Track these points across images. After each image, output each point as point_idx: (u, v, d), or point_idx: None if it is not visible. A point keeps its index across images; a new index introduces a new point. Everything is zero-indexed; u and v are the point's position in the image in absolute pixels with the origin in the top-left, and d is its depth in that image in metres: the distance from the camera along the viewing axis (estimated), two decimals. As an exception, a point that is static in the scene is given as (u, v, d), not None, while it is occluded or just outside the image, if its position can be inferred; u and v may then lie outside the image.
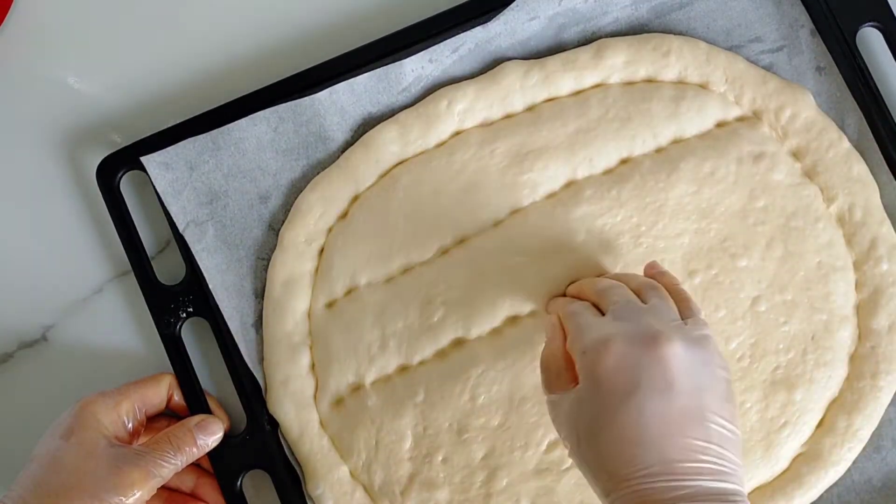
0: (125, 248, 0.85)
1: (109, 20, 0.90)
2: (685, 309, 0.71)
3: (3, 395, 0.86)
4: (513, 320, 0.82)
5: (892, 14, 0.84)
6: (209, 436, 0.79)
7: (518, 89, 0.84)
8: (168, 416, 0.84)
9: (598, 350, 0.66)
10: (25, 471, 0.74)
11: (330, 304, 0.84)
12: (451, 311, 0.81)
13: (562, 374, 0.70)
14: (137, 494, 0.73)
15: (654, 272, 0.75)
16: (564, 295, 0.79)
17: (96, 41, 0.90)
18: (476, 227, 0.83)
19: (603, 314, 0.71)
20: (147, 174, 0.84)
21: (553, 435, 0.80)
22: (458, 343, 0.82)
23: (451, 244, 0.83)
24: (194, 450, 0.78)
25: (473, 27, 0.84)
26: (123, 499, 0.72)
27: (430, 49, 0.84)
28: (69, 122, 0.89)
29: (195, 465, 0.82)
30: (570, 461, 0.80)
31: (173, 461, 0.76)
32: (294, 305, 0.83)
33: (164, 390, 0.81)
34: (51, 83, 0.89)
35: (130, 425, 0.78)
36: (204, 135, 0.84)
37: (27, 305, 0.87)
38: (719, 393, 0.66)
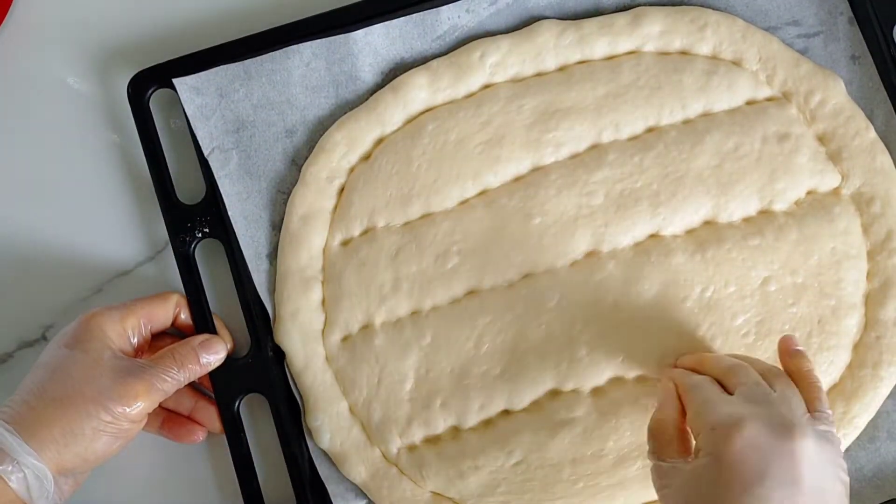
0: (148, 163, 0.86)
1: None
2: (814, 400, 0.70)
3: (3, 396, 0.83)
4: (527, 278, 0.82)
5: (933, 9, 0.86)
6: (212, 354, 0.81)
7: (552, 48, 0.85)
8: (172, 334, 0.84)
9: (731, 429, 0.66)
10: (29, 377, 0.75)
11: (346, 243, 0.84)
12: (466, 261, 0.82)
13: (673, 443, 0.70)
14: (140, 406, 0.75)
15: (789, 348, 0.75)
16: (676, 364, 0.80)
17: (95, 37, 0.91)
18: (497, 180, 0.84)
19: (728, 393, 0.71)
20: (177, 94, 0.85)
21: (546, 388, 0.80)
22: (471, 293, 0.82)
23: (471, 195, 0.84)
24: (197, 367, 0.79)
25: (514, -18, 0.86)
26: (126, 409, 0.74)
27: None
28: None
29: (194, 389, 0.84)
30: (565, 416, 0.80)
31: (176, 376, 0.78)
32: (310, 240, 0.83)
33: (170, 308, 0.82)
34: (51, 83, 0.90)
35: (135, 340, 0.79)
36: (237, 63, 0.85)
37: (27, 305, 0.87)
38: (838, 497, 0.66)
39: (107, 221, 0.88)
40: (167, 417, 0.82)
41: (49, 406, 0.73)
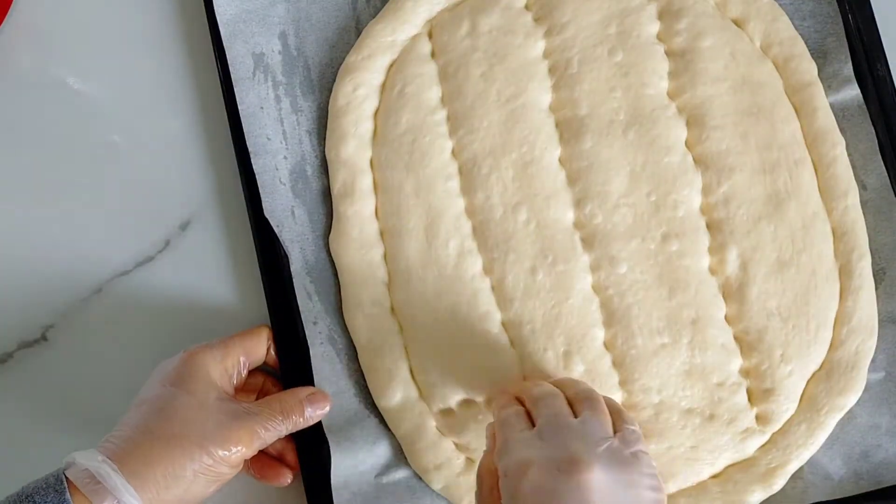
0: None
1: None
2: (616, 419, 0.72)
3: (3, 395, 0.86)
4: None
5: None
6: (318, 409, 0.81)
7: None
8: (262, 370, 0.85)
9: (519, 473, 0.67)
10: (132, 413, 0.75)
11: None
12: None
13: (493, 491, 0.71)
14: (241, 451, 0.75)
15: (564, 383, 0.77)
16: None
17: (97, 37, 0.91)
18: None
19: (534, 424, 0.71)
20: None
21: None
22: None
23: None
24: (300, 420, 0.79)
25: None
26: (227, 454, 0.74)
27: None
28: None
29: None
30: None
31: (279, 427, 0.78)
32: None
33: (265, 344, 0.83)
34: (51, 83, 0.90)
35: (235, 380, 0.80)
36: None
37: (27, 305, 0.88)
38: None
39: (106, 222, 0.89)
40: (256, 458, 0.81)
41: (154, 445, 0.73)
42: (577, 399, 0.73)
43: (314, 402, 0.80)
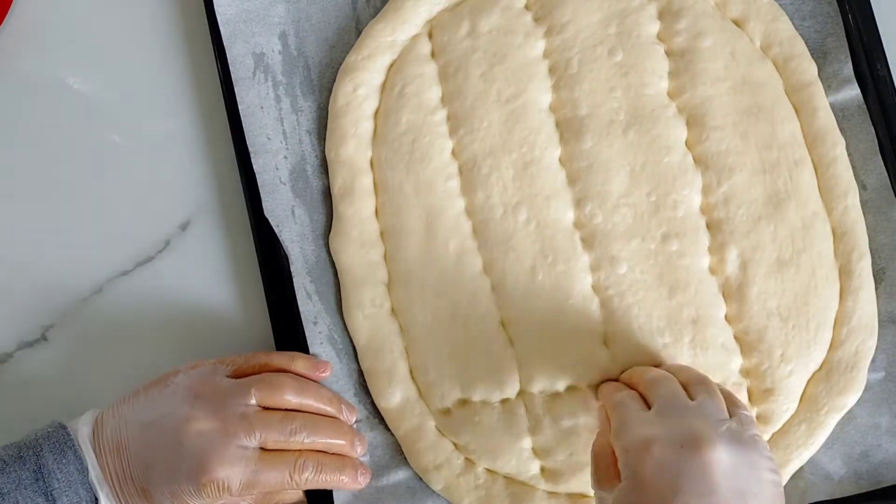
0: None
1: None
2: (731, 404, 0.73)
3: (3, 395, 0.86)
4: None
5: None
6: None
7: None
8: None
9: (641, 450, 0.68)
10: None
11: None
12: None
13: (610, 468, 0.71)
14: None
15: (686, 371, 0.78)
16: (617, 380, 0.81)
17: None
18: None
19: (649, 407, 0.73)
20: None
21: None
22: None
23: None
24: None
25: None
26: None
27: None
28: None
29: None
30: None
31: None
32: None
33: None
34: (51, 83, 0.90)
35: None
36: None
37: (27, 305, 0.88)
38: (766, 498, 0.67)
39: (106, 221, 0.89)
40: None
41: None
42: (691, 382, 0.74)
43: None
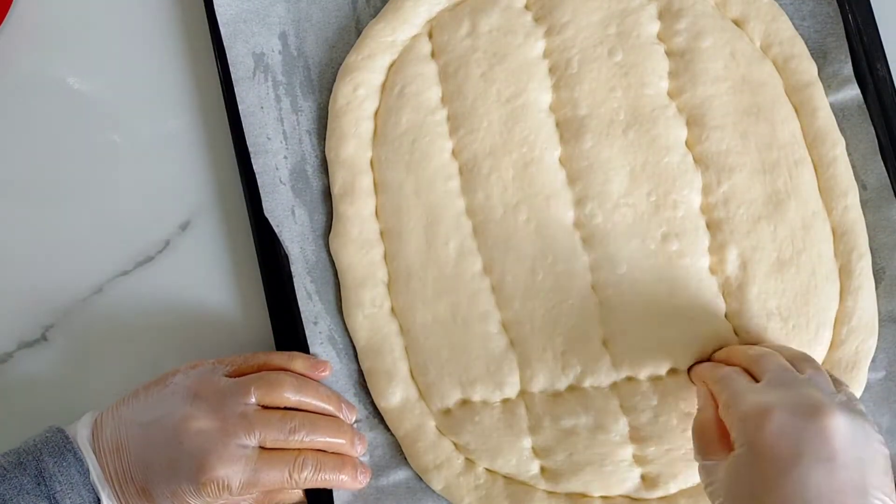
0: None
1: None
2: (836, 382, 0.74)
3: (3, 395, 0.86)
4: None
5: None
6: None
7: None
8: None
9: (760, 417, 0.68)
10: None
11: None
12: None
13: (715, 441, 0.72)
14: None
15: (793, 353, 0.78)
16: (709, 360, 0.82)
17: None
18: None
19: (756, 381, 0.73)
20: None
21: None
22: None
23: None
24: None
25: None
26: None
27: None
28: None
29: None
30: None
31: None
32: None
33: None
34: (51, 83, 0.91)
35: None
36: None
37: (27, 305, 0.88)
38: (880, 467, 0.67)
39: (106, 221, 0.89)
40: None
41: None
42: (796, 359, 0.75)
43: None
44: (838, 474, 0.65)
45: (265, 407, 0.78)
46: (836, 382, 0.73)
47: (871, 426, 0.69)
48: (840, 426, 0.67)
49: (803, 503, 0.64)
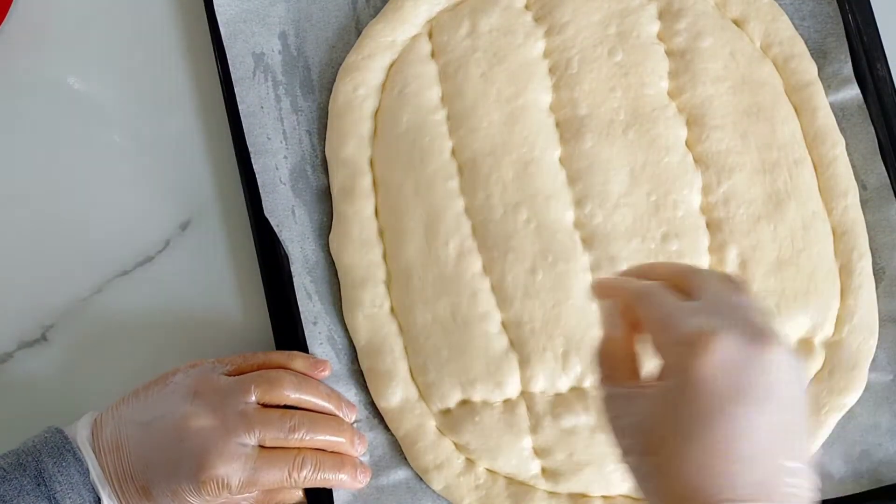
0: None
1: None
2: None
3: (3, 395, 0.86)
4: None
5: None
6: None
7: None
8: None
9: (700, 344, 0.58)
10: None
11: None
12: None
13: (623, 366, 0.64)
14: None
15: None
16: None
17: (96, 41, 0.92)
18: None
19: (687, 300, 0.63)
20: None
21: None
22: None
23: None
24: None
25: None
26: None
27: None
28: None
29: None
30: None
31: None
32: None
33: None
34: (51, 83, 0.91)
35: None
36: None
37: (27, 305, 0.88)
38: (807, 409, 0.60)
39: (106, 221, 0.89)
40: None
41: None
42: (734, 279, 0.64)
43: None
44: (777, 415, 0.57)
45: (265, 406, 0.78)
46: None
47: (803, 365, 0.64)
48: (784, 361, 0.58)
49: (739, 446, 0.56)
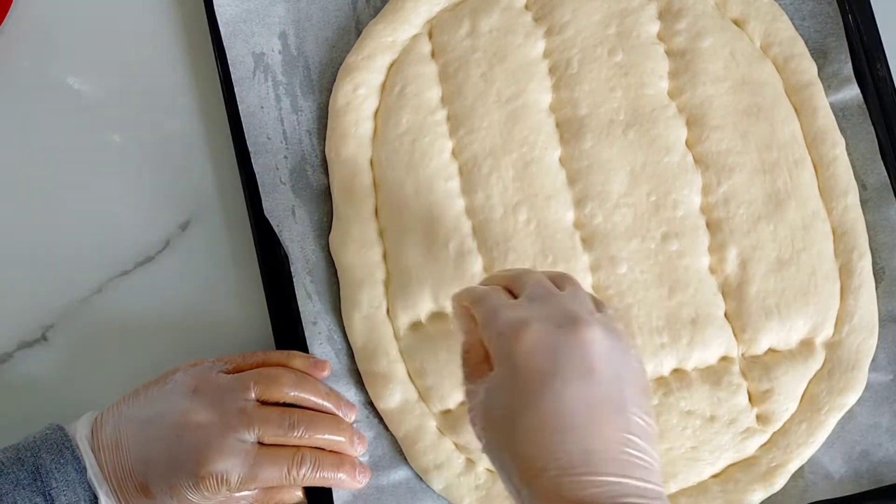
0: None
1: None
2: (598, 303, 0.70)
3: (3, 395, 0.86)
4: None
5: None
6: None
7: None
8: None
9: (515, 332, 0.65)
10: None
11: None
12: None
13: (480, 363, 0.69)
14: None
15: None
16: None
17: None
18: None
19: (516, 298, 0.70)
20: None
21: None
22: None
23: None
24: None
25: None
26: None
27: None
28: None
29: None
30: None
31: None
32: None
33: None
34: (51, 83, 0.91)
35: None
36: None
37: (27, 305, 0.88)
38: (638, 385, 0.66)
39: (106, 221, 0.89)
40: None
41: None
42: (558, 278, 0.72)
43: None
44: (596, 388, 0.63)
45: (265, 404, 0.78)
46: (597, 303, 0.70)
47: (629, 343, 0.67)
48: (597, 339, 0.64)
49: (560, 418, 0.62)
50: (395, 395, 0.83)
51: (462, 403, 0.83)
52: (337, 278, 0.86)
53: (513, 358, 0.65)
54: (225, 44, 0.87)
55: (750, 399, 0.82)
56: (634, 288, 0.83)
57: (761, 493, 0.82)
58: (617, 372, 0.64)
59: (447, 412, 0.83)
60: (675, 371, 0.82)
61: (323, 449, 0.79)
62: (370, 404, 0.84)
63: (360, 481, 0.81)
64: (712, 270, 0.83)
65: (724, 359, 0.83)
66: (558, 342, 0.64)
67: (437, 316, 0.84)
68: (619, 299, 0.83)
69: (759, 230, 0.83)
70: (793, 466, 0.82)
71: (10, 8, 0.91)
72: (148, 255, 0.88)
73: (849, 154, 0.85)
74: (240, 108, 0.86)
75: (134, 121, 0.90)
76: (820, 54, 0.87)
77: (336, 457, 0.79)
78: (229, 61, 0.87)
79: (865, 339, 0.83)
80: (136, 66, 0.91)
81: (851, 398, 0.82)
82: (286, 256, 0.85)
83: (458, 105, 0.86)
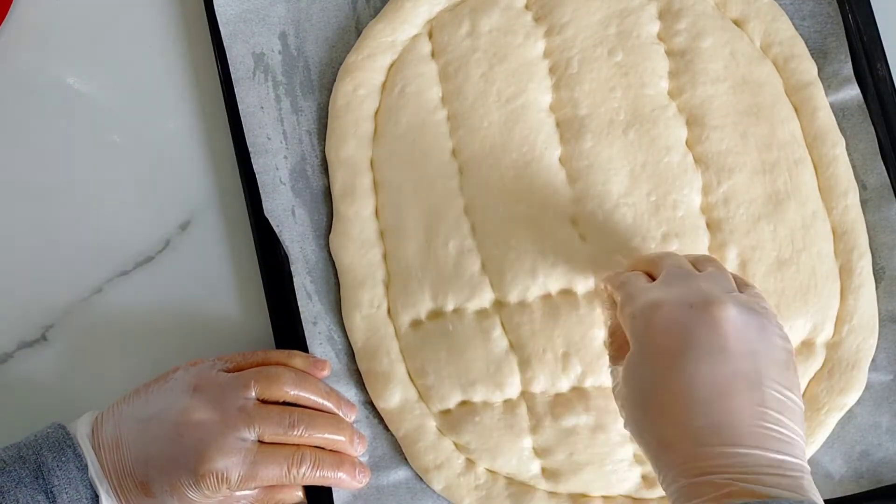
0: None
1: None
2: (741, 283, 0.71)
3: (3, 395, 0.86)
4: None
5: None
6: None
7: None
8: None
9: (648, 313, 0.67)
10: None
11: None
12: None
13: (623, 346, 0.70)
14: None
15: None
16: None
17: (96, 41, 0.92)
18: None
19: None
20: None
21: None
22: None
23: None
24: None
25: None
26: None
27: None
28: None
29: None
30: None
31: None
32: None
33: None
34: (51, 83, 0.91)
35: None
36: None
37: (27, 305, 0.88)
38: (778, 360, 0.66)
39: (106, 221, 0.89)
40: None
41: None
42: (698, 260, 0.73)
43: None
44: (727, 365, 0.64)
45: (265, 402, 0.78)
46: (744, 284, 0.71)
47: (771, 321, 0.67)
48: (730, 317, 0.65)
49: (689, 394, 0.64)
50: (395, 395, 0.84)
51: (461, 403, 0.84)
52: (337, 278, 0.86)
53: (646, 338, 0.67)
54: (225, 44, 0.87)
55: None
56: None
57: None
58: (752, 348, 0.65)
59: (447, 412, 0.83)
60: None
61: (323, 448, 0.79)
62: (370, 404, 0.85)
63: (360, 481, 0.81)
64: None
65: None
66: (690, 321, 0.66)
67: (437, 314, 0.84)
68: None
69: (759, 230, 0.83)
70: None
71: (10, 8, 0.91)
72: (148, 255, 0.89)
73: (849, 154, 0.85)
74: (240, 108, 0.86)
75: (134, 121, 0.90)
76: (820, 54, 0.87)
77: (336, 456, 0.80)
78: (229, 61, 0.87)
79: (865, 339, 0.83)
80: (137, 66, 0.91)
81: (851, 398, 0.82)
82: (286, 256, 0.85)
83: (458, 105, 0.86)
